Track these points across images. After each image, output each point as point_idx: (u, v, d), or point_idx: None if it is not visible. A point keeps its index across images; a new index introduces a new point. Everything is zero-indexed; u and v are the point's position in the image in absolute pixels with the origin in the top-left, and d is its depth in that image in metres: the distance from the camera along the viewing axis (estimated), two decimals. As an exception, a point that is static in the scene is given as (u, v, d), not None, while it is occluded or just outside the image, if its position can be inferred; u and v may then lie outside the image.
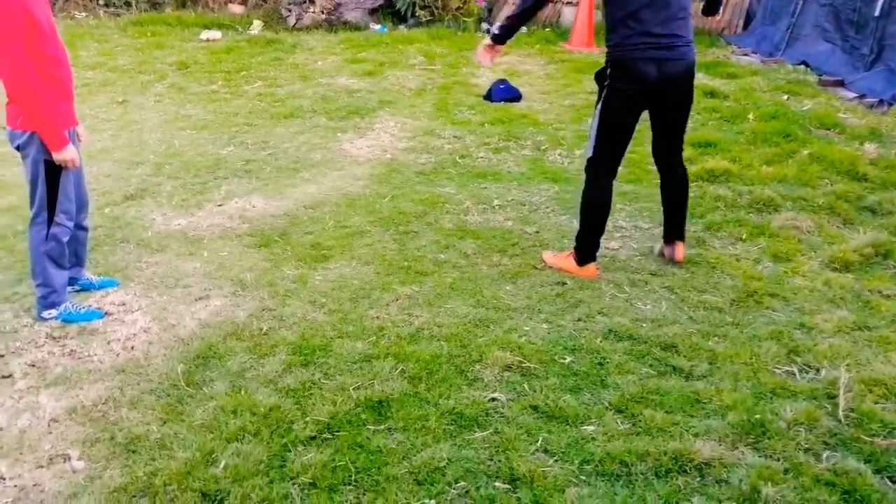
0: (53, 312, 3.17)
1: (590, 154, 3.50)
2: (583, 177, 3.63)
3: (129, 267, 3.70)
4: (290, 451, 2.45)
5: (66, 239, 3.12)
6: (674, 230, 3.71)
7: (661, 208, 3.76)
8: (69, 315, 3.18)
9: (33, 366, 2.91)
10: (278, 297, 3.42)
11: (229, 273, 3.65)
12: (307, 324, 3.22)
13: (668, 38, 3.26)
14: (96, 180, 4.74)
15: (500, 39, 3.55)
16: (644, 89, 3.30)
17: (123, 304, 3.35)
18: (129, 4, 9.73)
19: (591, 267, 3.62)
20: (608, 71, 3.36)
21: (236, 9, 9.99)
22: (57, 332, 3.12)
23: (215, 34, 8.72)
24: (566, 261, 3.66)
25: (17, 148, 3.00)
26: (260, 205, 4.47)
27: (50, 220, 3.05)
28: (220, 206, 4.46)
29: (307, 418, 2.60)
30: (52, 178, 2.99)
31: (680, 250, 3.70)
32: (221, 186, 4.74)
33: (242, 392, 2.75)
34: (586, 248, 3.60)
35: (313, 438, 2.52)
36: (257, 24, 9.22)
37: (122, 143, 5.48)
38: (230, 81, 7.12)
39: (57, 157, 2.92)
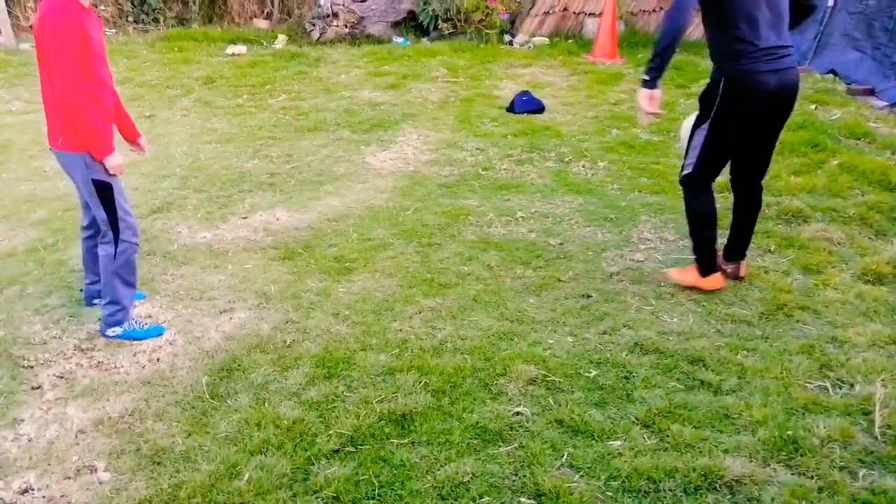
0: (118, 330, 3.18)
1: (689, 171, 3.42)
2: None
3: (155, 279, 3.74)
4: (313, 464, 2.45)
5: (134, 256, 3.14)
6: (740, 251, 3.66)
7: (730, 226, 3.67)
8: (133, 332, 3.19)
9: (62, 377, 2.95)
10: (302, 310, 3.43)
11: (253, 286, 3.67)
12: (330, 336, 3.22)
13: (783, 49, 3.17)
14: (124, 194, 4.82)
15: (652, 84, 3.26)
16: (761, 105, 3.19)
17: (150, 317, 3.38)
18: (157, 21, 9.92)
19: (717, 277, 3.56)
20: (721, 88, 3.20)
21: (261, 24, 10.13)
22: (85, 344, 3.16)
23: (241, 49, 8.84)
24: (690, 275, 3.61)
25: (64, 167, 3.02)
26: (284, 217, 4.50)
27: (116, 239, 3.06)
28: (244, 218, 4.49)
29: (330, 431, 2.59)
30: (105, 197, 2.99)
31: (745, 267, 3.68)
32: (246, 199, 4.78)
33: (266, 405, 2.75)
34: (706, 260, 3.54)
35: (336, 452, 2.51)
36: (282, 39, 9.34)
37: (149, 156, 5.56)
38: (255, 95, 7.21)
39: (106, 163, 2.93)
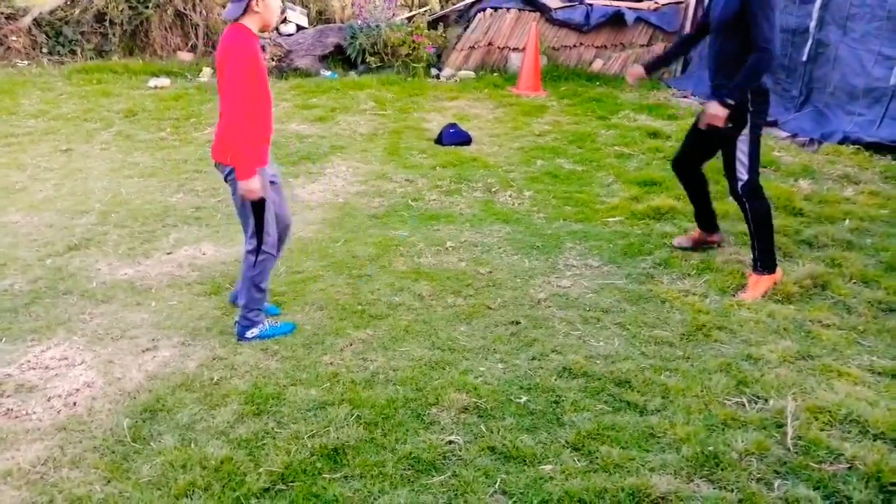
0: (255, 331, 3.40)
1: (749, 177, 3.80)
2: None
3: (71, 319, 3.57)
4: (242, 505, 2.38)
5: (270, 266, 3.39)
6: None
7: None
8: (265, 332, 3.42)
9: (-33, 427, 2.77)
10: (230, 346, 3.35)
11: (178, 322, 3.56)
12: (259, 372, 3.15)
13: None
14: (37, 231, 4.60)
15: (649, 70, 4.28)
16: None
17: (65, 359, 3.22)
18: (74, 52, 9.60)
19: (779, 270, 3.95)
20: (750, 100, 3.69)
21: (185, 56, 9.96)
22: (-7, 390, 2.98)
23: (164, 81, 8.65)
24: (763, 282, 3.88)
25: (227, 180, 3.23)
26: (210, 252, 4.40)
27: (258, 249, 3.28)
28: (169, 254, 4.37)
29: (260, 469, 2.53)
30: (256, 210, 3.21)
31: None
32: (170, 234, 4.65)
33: (192, 445, 2.66)
34: (772, 256, 3.92)
35: (267, 490, 2.45)
36: (207, 72, 9.20)
37: (66, 192, 5.35)
38: (179, 129, 7.06)
39: (241, 185, 3.09)
